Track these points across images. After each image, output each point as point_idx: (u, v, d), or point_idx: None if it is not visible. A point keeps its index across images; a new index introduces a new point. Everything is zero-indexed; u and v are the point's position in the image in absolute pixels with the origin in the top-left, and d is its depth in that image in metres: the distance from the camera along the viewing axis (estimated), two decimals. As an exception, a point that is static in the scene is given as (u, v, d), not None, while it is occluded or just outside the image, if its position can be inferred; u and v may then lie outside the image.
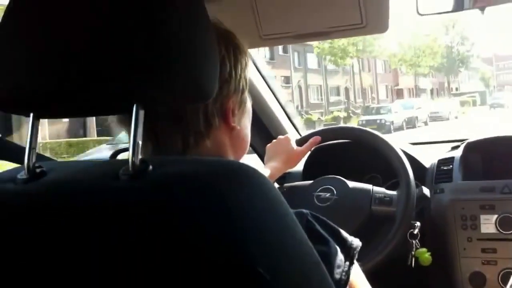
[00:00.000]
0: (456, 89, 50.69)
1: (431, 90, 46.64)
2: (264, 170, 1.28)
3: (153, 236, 0.47)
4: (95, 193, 0.51)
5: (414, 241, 1.39)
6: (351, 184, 1.39)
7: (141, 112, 0.51)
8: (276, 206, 0.53)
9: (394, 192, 1.36)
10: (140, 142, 0.51)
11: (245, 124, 0.75)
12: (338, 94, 33.11)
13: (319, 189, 1.39)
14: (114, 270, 0.47)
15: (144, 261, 0.46)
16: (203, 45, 0.56)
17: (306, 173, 1.59)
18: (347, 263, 0.65)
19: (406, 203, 1.32)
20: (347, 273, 0.64)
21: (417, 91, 41.86)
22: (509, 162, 1.46)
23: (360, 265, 0.70)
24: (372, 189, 1.37)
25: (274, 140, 1.43)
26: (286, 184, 1.50)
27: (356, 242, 0.68)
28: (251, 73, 1.56)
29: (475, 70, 52.87)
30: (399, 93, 40.07)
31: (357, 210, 1.33)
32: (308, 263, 0.53)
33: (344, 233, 0.68)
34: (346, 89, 33.40)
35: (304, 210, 0.67)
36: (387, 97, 38.57)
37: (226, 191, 0.50)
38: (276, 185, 1.47)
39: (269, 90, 1.67)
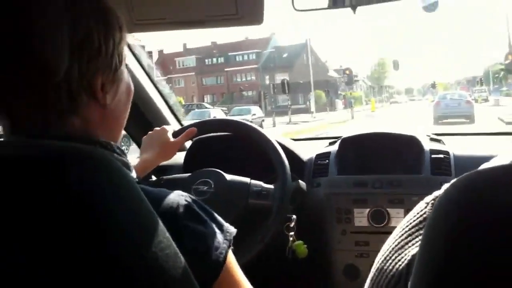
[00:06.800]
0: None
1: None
2: (135, 162, 1.23)
3: None
4: None
5: (290, 234, 1.41)
6: (229, 177, 1.37)
7: None
8: (129, 198, 0.53)
9: (271, 186, 1.36)
10: None
11: (122, 103, 0.70)
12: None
13: (197, 182, 1.36)
14: None
15: None
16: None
17: (187, 166, 1.55)
18: (225, 245, 0.65)
19: (281, 197, 1.32)
20: (225, 255, 0.64)
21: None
22: (380, 157, 1.52)
23: (238, 257, 0.69)
24: (250, 183, 1.36)
25: (150, 132, 1.38)
26: (165, 177, 1.45)
27: (231, 228, 0.68)
28: (130, 63, 1.50)
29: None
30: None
31: (234, 203, 1.32)
32: (164, 258, 0.53)
33: (219, 217, 0.68)
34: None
35: (182, 192, 0.67)
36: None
37: (62, 177, 0.48)
38: (154, 178, 1.42)
39: (149, 80, 1.61)
